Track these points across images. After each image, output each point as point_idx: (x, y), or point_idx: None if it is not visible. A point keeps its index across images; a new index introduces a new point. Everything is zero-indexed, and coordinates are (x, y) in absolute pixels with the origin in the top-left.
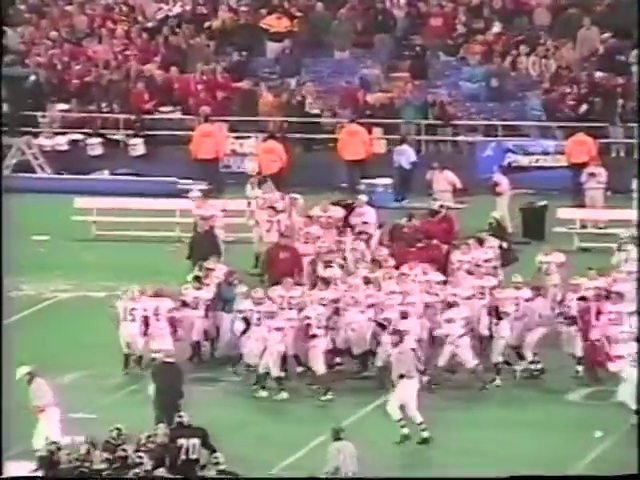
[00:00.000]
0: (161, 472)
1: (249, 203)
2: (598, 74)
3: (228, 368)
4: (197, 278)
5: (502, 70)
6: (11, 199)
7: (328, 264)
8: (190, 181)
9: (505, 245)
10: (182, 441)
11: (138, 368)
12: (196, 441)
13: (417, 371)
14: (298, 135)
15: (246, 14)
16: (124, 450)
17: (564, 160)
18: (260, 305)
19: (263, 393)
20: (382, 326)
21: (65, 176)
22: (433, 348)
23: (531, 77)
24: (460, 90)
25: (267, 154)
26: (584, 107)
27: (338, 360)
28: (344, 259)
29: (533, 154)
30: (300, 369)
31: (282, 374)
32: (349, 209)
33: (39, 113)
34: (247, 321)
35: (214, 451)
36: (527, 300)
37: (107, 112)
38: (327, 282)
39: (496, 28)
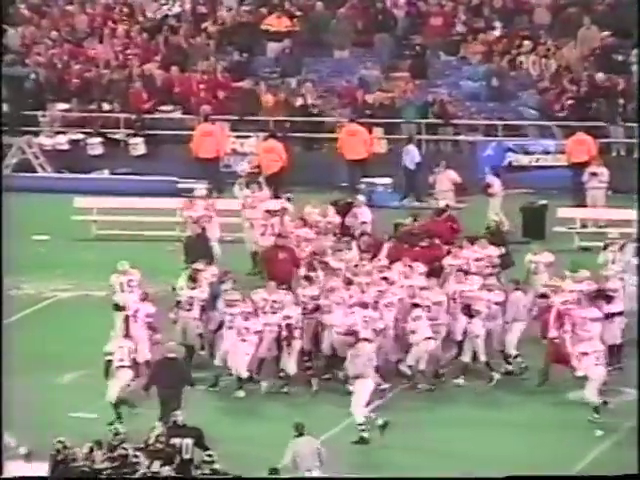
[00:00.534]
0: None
1: (243, 204)
2: (599, 74)
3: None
4: (191, 278)
5: (502, 70)
6: (11, 198)
7: (311, 267)
8: (191, 180)
9: (503, 250)
10: (176, 440)
11: None
12: (189, 441)
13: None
14: (298, 134)
15: (246, 14)
16: (124, 449)
17: (564, 159)
18: (233, 307)
19: (240, 393)
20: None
21: (65, 175)
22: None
23: (531, 77)
24: (460, 89)
25: (267, 153)
26: (579, 106)
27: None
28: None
29: (533, 153)
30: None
31: (246, 375)
32: (349, 209)
33: (39, 112)
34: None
35: (208, 451)
36: (497, 304)
37: (107, 111)
38: (310, 281)
39: (496, 28)
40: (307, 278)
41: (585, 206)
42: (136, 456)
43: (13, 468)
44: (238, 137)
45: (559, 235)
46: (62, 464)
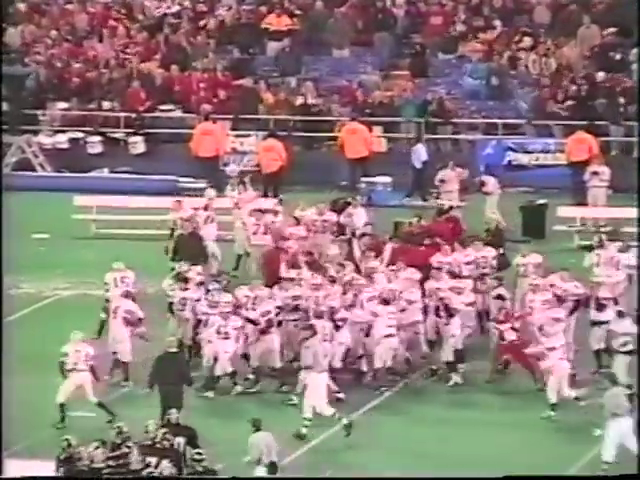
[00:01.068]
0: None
1: (236, 203)
2: (599, 73)
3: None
4: (182, 278)
5: (502, 68)
6: (11, 197)
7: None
8: (190, 179)
9: (501, 251)
10: (173, 439)
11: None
12: (181, 440)
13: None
14: (298, 133)
15: (246, 12)
16: (128, 447)
17: (564, 158)
18: (214, 308)
19: (209, 394)
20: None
21: (65, 174)
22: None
23: (531, 75)
24: (460, 88)
25: (267, 152)
26: (579, 105)
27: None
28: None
29: (533, 152)
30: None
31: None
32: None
33: (39, 111)
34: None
35: (200, 451)
36: (469, 305)
37: (107, 110)
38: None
39: (496, 27)
40: (290, 278)
41: (585, 205)
42: (142, 455)
43: (14, 466)
44: (238, 136)
45: (559, 234)
46: (66, 462)
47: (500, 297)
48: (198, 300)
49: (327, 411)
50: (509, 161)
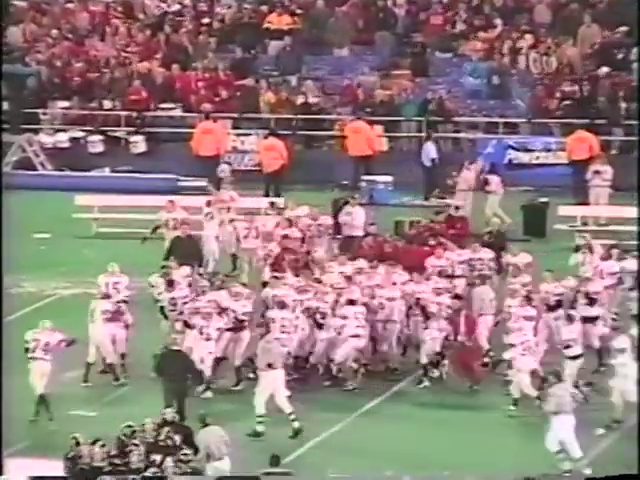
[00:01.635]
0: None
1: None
2: (602, 69)
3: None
4: (168, 279)
5: (503, 67)
6: (12, 197)
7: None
8: (191, 178)
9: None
10: (175, 437)
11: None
12: (178, 438)
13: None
14: (299, 132)
15: (247, 11)
16: (135, 445)
17: (565, 157)
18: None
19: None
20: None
21: (66, 173)
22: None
23: (532, 74)
24: (461, 87)
25: (268, 151)
26: (580, 104)
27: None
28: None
29: (534, 151)
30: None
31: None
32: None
33: (40, 110)
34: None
35: (196, 449)
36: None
37: (108, 109)
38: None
39: (497, 25)
40: (275, 278)
41: (586, 204)
42: (147, 453)
43: (14, 466)
44: (238, 135)
45: (560, 233)
46: (71, 461)
47: (457, 297)
48: (185, 302)
49: (286, 408)
50: (510, 160)
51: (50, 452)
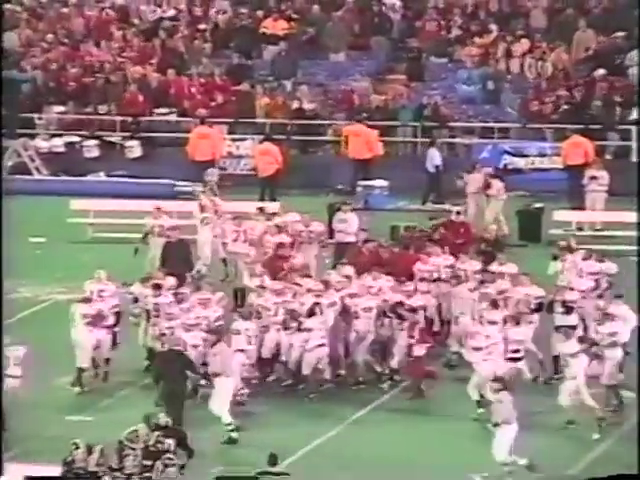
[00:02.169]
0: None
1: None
2: (598, 72)
3: None
4: (154, 286)
5: (498, 73)
6: (7, 201)
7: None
8: (187, 183)
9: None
10: (165, 441)
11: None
12: (171, 441)
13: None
14: (294, 137)
15: (243, 16)
16: (133, 449)
17: (560, 162)
18: (172, 320)
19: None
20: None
21: (61, 178)
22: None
23: (527, 79)
24: (456, 92)
25: (263, 156)
26: (575, 109)
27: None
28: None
29: (529, 156)
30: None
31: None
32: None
33: (36, 115)
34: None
35: (191, 453)
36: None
37: (104, 114)
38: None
39: (492, 31)
40: (262, 287)
41: (582, 209)
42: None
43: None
44: (234, 140)
45: (555, 238)
46: (68, 465)
47: (413, 310)
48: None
49: (226, 419)
50: (505, 165)
51: (46, 457)
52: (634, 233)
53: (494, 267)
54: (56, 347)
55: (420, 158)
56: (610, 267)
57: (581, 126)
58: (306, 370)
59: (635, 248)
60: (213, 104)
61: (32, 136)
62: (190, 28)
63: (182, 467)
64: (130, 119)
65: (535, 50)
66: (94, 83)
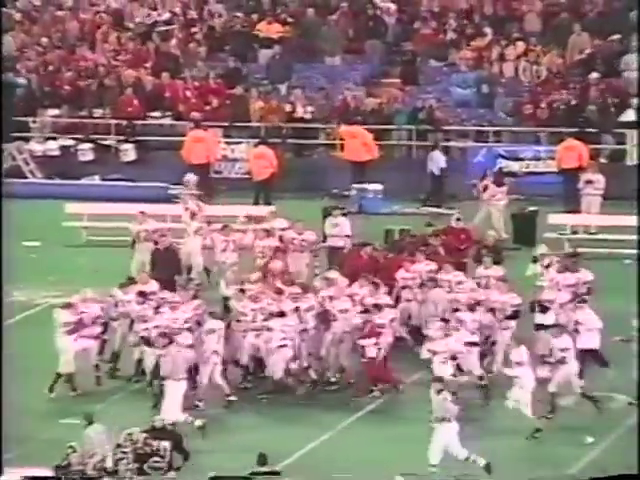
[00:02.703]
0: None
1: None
2: (592, 75)
3: None
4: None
5: (493, 76)
6: (2, 205)
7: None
8: (181, 187)
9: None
10: (154, 443)
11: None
12: (166, 444)
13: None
14: (289, 140)
15: (238, 19)
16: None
17: (555, 165)
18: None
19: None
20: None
21: (56, 181)
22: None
23: (522, 83)
24: (451, 96)
25: (258, 159)
26: (569, 112)
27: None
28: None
29: (524, 159)
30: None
31: None
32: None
33: (30, 118)
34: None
35: (187, 456)
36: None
37: (98, 118)
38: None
39: (487, 34)
40: (242, 291)
41: (577, 212)
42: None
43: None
44: (229, 143)
45: (550, 241)
46: (63, 469)
47: (367, 311)
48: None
49: (180, 418)
50: (500, 168)
51: (41, 460)
52: (628, 237)
53: (480, 271)
54: (50, 350)
55: (415, 161)
56: (586, 275)
57: (576, 129)
58: (276, 374)
59: (629, 252)
60: (208, 108)
61: (27, 139)
62: (185, 31)
63: (178, 469)
64: (125, 122)
65: (530, 53)
66: (89, 86)
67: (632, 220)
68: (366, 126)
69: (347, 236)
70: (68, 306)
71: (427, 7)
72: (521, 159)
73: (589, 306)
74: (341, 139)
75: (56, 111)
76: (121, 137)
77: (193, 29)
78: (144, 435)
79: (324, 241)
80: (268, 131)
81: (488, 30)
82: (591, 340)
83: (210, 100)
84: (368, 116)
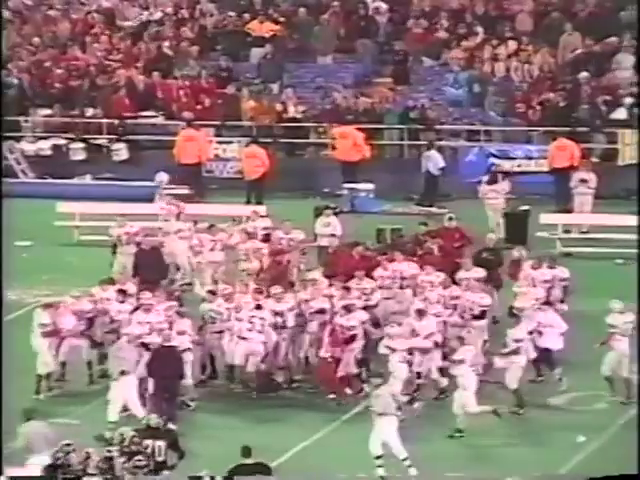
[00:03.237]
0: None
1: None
2: (582, 74)
3: None
4: (120, 290)
5: (484, 76)
6: (2, 205)
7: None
8: (173, 186)
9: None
10: (148, 442)
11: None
12: (162, 443)
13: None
14: (281, 140)
15: (230, 19)
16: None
17: (546, 165)
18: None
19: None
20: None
21: (48, 181)
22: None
23: (513, 82)
24: (443, 95)
25: (250, 159)
26: (560, 112)
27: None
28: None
29: (515, 159)
30: None
31: None
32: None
33: (22, 118)
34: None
35: (182, 454)
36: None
37: (90, 117)
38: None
39: (479, 34)
40: (212, 292)
41: (569, 211)
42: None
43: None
44: (220, 143)
45: (541, 241)
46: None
47: (321, 311)
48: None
49: (139, 413)
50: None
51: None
52: (621, 236)
53: (460, 274)
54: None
55: (407, 161)
56: (563, 272)
57: (567, 129)
58: (235, 360)
59: (620, 251)
60: (199, 107)
61: (18, 139)
62: (176, 31)
63: (172, 468)
64: (116, 122)
65: (521, 53)
66: (80, 86)
67: (623, 220)
68: (358, 125)
69: (333, 235)
70: (47, 307)
71: (418, 6)
72: (513, 158)
73: (564, 307)
74: (333, 139)
75: (48, 110)
76: (113, 136)
77: (184, 28)
78: (132, 434)
79: (315, 240)
80: (260, 130)
81: (480, 29)
82: (552, 340)
83: (202, 99)
84: (360, 115)
